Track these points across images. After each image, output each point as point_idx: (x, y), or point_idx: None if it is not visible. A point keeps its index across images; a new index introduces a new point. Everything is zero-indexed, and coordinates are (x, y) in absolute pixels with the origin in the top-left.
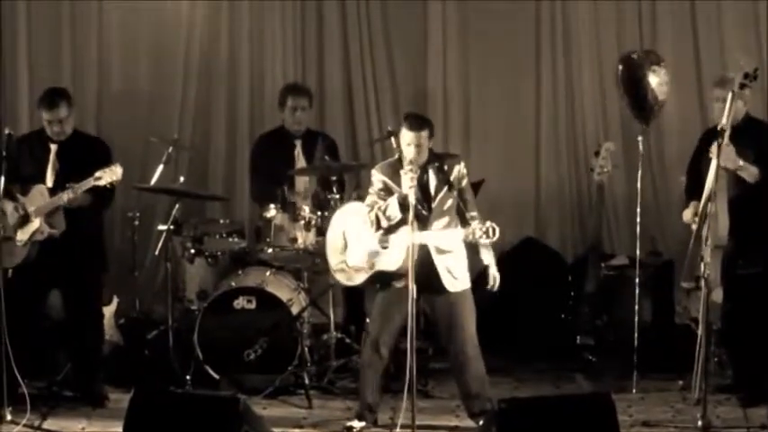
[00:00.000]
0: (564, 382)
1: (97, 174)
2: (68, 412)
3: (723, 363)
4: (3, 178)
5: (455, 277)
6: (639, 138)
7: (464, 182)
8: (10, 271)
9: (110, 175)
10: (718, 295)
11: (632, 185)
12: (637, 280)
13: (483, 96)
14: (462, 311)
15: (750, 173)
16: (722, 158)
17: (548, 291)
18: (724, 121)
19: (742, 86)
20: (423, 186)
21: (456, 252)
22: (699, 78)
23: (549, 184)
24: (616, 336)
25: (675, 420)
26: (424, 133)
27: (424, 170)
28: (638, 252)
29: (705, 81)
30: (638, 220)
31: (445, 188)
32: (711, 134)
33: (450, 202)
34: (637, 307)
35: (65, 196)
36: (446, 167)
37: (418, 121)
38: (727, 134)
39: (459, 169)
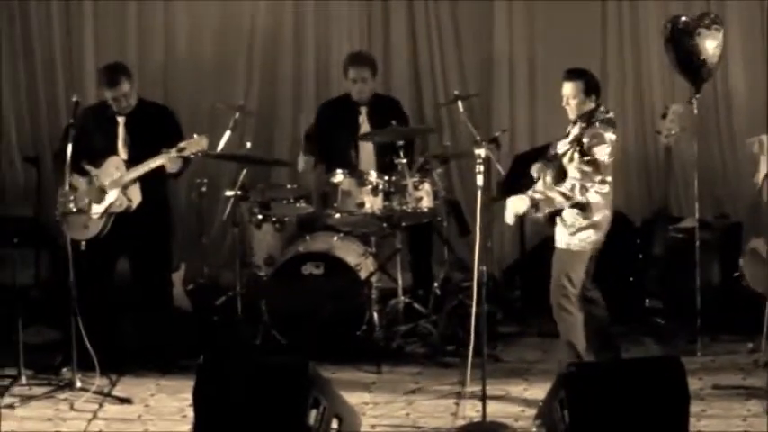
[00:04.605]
0: (633, 345)
1: (181, 145)
2: (137, 379)
3: None
4: (71, 145)
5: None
6: (693, 101)
7: None
8: (83, 243)
9: (195, 146)
10: None
11: (700, 147)
12: (697, 243)
13: (549, 61)
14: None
15: None
16: None
17: (616, 254)
18: None
19: None
20: None
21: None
22: (765, 39)
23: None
24: (685, 299)
25: (745, 383)
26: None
27: None
28: (696, 214)
29: None
30: (696, 182)
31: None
32: None
33: None
34: (698, 270)
35: (159, 161)
36: None
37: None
38: None
39: None
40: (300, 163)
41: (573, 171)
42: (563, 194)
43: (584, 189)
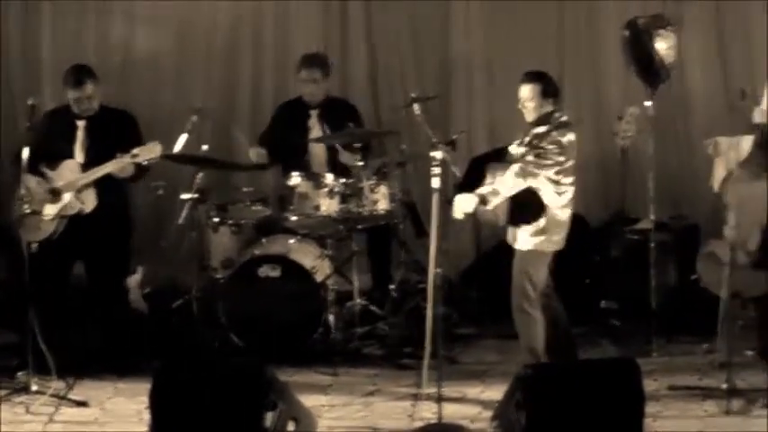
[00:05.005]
0: (589, 346)
1: (134, 151)
2: (94, 382)
3: (748, 326)
4: (27, 149)
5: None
6: (649, 103)
7: None
8: (35, 245)
9: (147, 153)
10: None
11: (657, 149)
12: (652, 244)
13: (507, 62)
14: None
15: None
16: None
17: (572, 255)
18: None
19: None
20: None
21: None
22: (721, 41)
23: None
24: (641, 300)
25: (701, 383)
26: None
27: None
28: (651, 216)
29: (727, 45)
30: (651, 185)
31: None
32: None
33: None
34: (653, 271)
35: (110, 166)
36: None
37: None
38: None
39: None
40: (251, 154)
41: (518, 161)
42: (506, 183)
43: (526, 174)
